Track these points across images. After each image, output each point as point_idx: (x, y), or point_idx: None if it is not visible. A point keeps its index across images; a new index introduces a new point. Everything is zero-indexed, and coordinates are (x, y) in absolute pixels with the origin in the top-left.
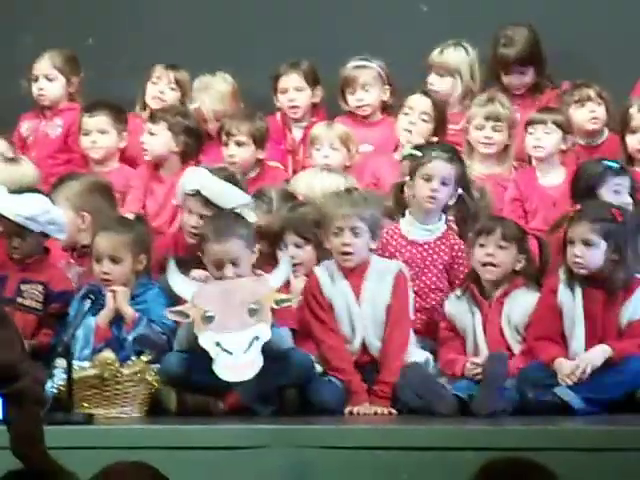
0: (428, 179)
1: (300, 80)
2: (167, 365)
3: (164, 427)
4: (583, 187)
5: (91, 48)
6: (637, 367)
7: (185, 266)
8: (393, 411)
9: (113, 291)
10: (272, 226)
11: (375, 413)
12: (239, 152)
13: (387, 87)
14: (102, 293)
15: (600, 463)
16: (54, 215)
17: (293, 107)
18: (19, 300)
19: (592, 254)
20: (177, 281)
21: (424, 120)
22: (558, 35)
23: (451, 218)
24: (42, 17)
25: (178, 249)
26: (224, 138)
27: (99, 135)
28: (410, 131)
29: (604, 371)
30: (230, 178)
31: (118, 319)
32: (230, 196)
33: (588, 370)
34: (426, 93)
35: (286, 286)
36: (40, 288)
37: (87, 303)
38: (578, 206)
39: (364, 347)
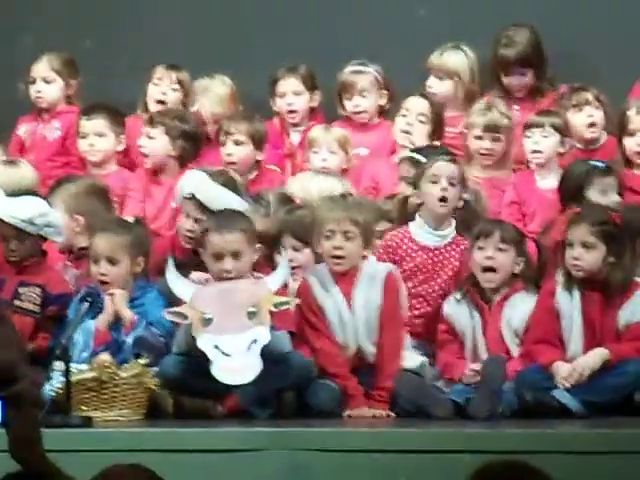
0: (435, 181)
1: (298, 84)
2: (165, 368)
3: (162, 430)
4: (571, 188)
5: (91, 49)
6: (635, 370)
7: (183, 269)
8: (391, 414)
9: (111, 294)
10: (270, 229)
11: (373, 416)
12: (237, 151)
13: (384, 92)
14: (100, 296)
15: (598, 466)
16: (51, 218)
17: (291, 111)
18: (17, 303)
19: (591, 257)
20: (176, 282)
21: (421, 122)
22: (558, 36)
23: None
24: (42, 17)
25: (176, 252)
26: (222, 137)
27: (97, 138)
28: (407, 132)
29: (602, 374)
30: (228, 183)
31: (116, 322)
32: (225, 202)
33: (585, 373)
34: (424, 95)
35: (284, 289)
36: (38, 291)
37: (85, 306)
38: (575, 209)
39: (359, 353)
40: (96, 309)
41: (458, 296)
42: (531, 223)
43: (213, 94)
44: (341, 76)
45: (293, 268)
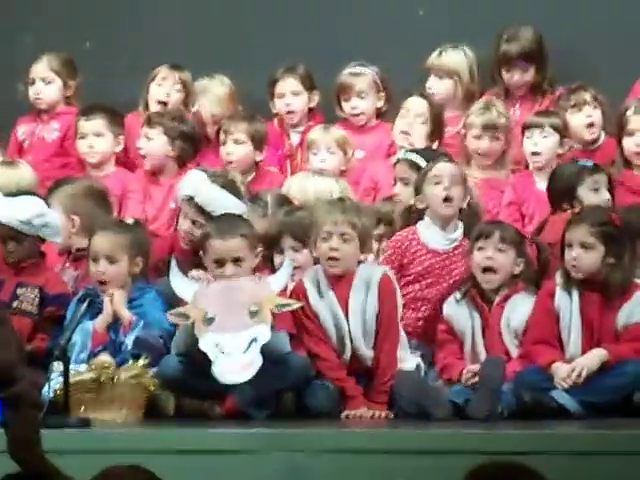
0: (438, 182)
1: (297, 84)
2: (164, 369)
3: (161, 431)
4: (562, 189)
5: (90, 50)
6: (633, 371)
7: (183, 269)
8: (390, 414)
9: (110, 295)
10: (269, 230)
11: (372, 417)
12: (236, 150)
13: (382, 94)
14: (99, 297)
15: (596, 467)
16: (49, 218)
17: (290, 112)
18: (15, 304)
19: (590, 257)
20: (179, 283)
21: (421, 122)
22: (557, 36)
23: None
24: (42, 17)
25: (175, 252)
26: (222, 136)
27: (95, 139)
28: (407, 133)
29: (600, 375)
30: (228, 185)
31: (115, 323)
32: (223, 204)
33: (584, 374)
34: (423, 95)
35: (284, 290)
36: (36, 292)
37: (83, 307)
38: (574, 210)
39: (355, 356)
40: (94, 310)
41: (458, 296)
42: (530, 224)
43: (212, 94)
44: (339, 78)
45: (292, 269)
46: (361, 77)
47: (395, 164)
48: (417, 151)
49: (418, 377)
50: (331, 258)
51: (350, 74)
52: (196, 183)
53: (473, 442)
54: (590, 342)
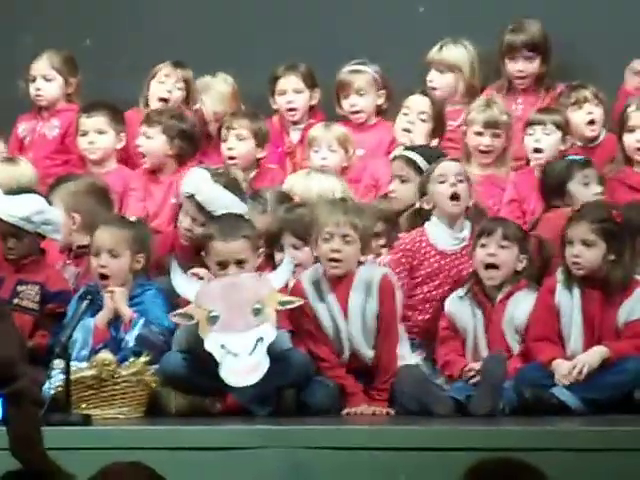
0: (443, 180)
1: (298, 82)
2: (165, 366)
3: (162, 428)
4: (553, 185)
5: (91, 48)
6: (634, 368)
7: (183, 266)
8: (391, 411)
9: (111, 292)
10: (270, 228)
11: (373, 413)
12: (238, 146)
13: (382, 92)
14: (99, 293)
15: (597, 463)
16: (49, 215)
17: (291, 109)
18: (16, 301)
19: (591, 254)
20: (180, 283)
21: (423, 120)
22: (558, 33)
23: None
24: (42, 17)
25: (177, 248)
26: (224, 132)
27: (97, 135)
28: (409, 131)
29: (601, 372)
30: (230, 184)
31: (116, 320)
32: (224, 203)
33: (585, 371)
34: (424, 93)
35: (284, 287)
36: (37, 289)
37: (84, 304)
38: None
39: (355, 356)
40: (95, 307)
41: (461, 293)
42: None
43: (215, 92)
44: (339, 75)
45: (293, 266)
46: (360, 75)
47: (392, 161)
48: (414, 148)
49: (420, 373)
50: (332, 259)
51: (349, 72)
52: (198, 181)
53: (474, 439)
54: (591, 339)
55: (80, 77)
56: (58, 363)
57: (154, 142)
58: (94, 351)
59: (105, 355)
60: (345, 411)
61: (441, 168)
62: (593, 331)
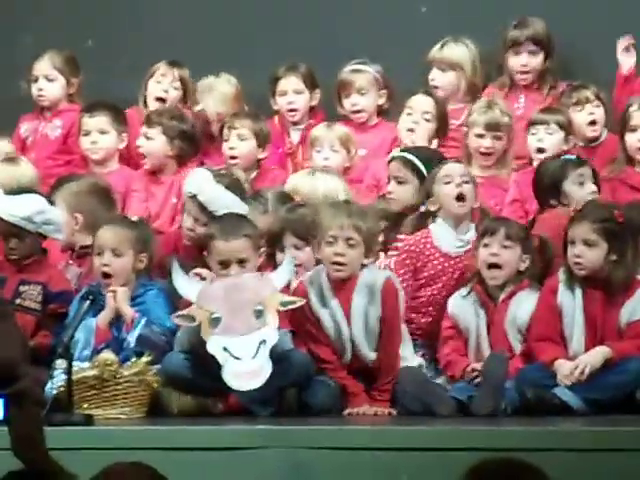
0: (449, 181)
1: (299, 83)
2: (167, 366)
3: (164, 428)
4: (548, 184)
5: (91, 49)
6: (636, 368)
7: (186, 267)
8: (393, 411)
9: (113, 291)
10: (271, 228)
11: (375, 414)
12: (240, 146)
13: (383, 92)
14: (102, 294)
15: (599, 464)
16: (50, 215)
17: (291, 110)
18: (18, 301)
19: (592, 254)
20: (182, 284)
21: (427, 120)
22: (558, 35)
23: None
24: (42, 17)
25: (179, 248)
26: (226, 132)
27: (99, 135)
28: (413, 131)
29: (604, 372)
30: (233, 185)
31: (118, 320)
32: (226, 204)
33: (587, 371)
34: (428, 93)
35: (286, 288)
36: (39, 289)
37: (86, 304)
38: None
39: (357, 357)
40: (97, 307)
41: (463, 293)
42: None
43: (218, 93)
44: (340, 75)
45: (295, 266)
46: (362, 74)
47: (389, 162)
48: (411, 149)
49: (422, 374)
50: (336, 263)
51: (351, 71)
52: (200, 182)
53: (476, 439)
54: (593, 339)
55: (82, 77)
56: (60, 363)
57: (154, 143)
58: (96, 351)
59: (107, 355)
60: (347, 411)
61: (446, 169)
62: (595, 331)
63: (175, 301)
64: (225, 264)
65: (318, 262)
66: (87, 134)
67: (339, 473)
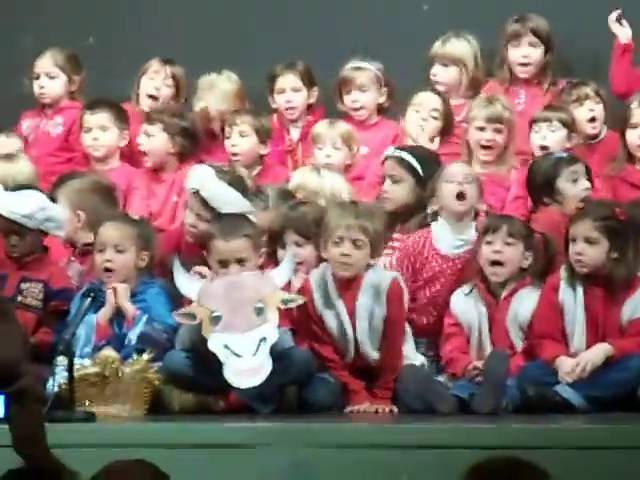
0: (452, 180)
1: (296, 80)
2: (168, 363)
3: (165, 425)
4: (541, 183)
5: (91, 48)
6: (638, 365)
7: (188, 264)
8: (394, 409)
9: (113, 288)
10: (272, 225)
11: (376, 411)
12: (241, 142)
13: (384, 90)
14: (103, 291)
15: (600, 461)
16: (51, 212)
17: (290, 108)
18: (19, 299)
19: (594, 252)
20: (183, 282)
21: (434, 117)
22: (558, 33)
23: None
24: (42, 17)
25: (181, 246)
26: (227, 130)
27: (100, 132)
28: (422, 128)
29: (605, 369)
30: (235, 181)
31: (119, 316)
32: (228, 200)
33: (588, 368)
34: (435, 90)
35: (287, 285)
36: (40, 286)
37: (88, 301)
38: (579, 205)
39: (360, 355)
40: (98, 304)
41: (466, 290)
42: None
43: (219, 90)
44: (341, 72)
45: (296, 264)
46: (363, 71)
47: (383, 161)
48: (406, 148)
49: (423, 371)
50: (342, 263)
51: (352, 68)
52: (203, 177)
53: (477, 437)
54: (594, 337)
55: (84, 75)
56: (61, 360)
57: (156, 140)
58: (97, 348)
59: (108, 352)
60: (348, 409)
61: (450, 169)
62: (597, 329)
63: (177, 299)
64: (224, 263)
65: (319, 259)
66: (88, 131)
67: (340, 471)
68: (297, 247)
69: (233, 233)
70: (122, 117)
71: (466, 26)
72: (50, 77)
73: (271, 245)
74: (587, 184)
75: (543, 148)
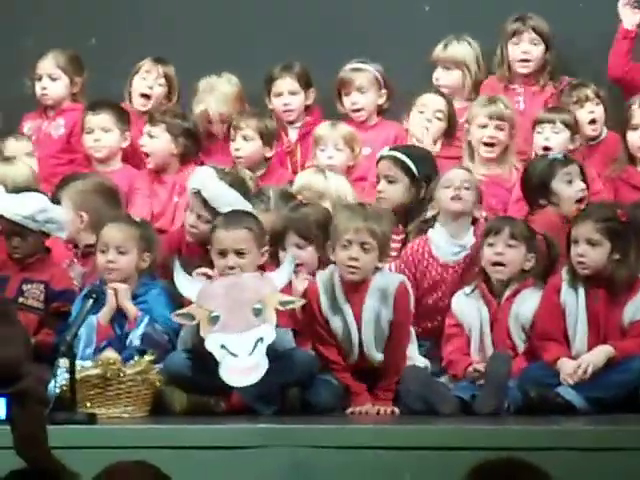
0: (449, 185)
1: (293, 83)
2: (170, 365)
3: (167, 427)
4: (536, 185)
5: (92, 48)
6: (639, 367)
7: (189, 265)
8: (396, 410)
9: (114, 289)
10: (274, 226)
11: (378, 412)
12: (245, 146)
13: (384, 91)
14: (104, 292)
15: (602, 463)
16: (53, 214)
17: (287, 110)
18: (21, 300)
19: (596, 254)
20: (183, 283)
21: (439, 119)
22: (558, 34)
23: None
24: (42, 18)
25: (183, 247)
26: (232, 132)
27: (102, 133)
28: (426, 129)
29: (606, 371)
30: (236, 183)
31: (120, 317)
32: (228, 201)
33: (590, 370)
34: (439, 92)
35: (288, 287)
36: (41, 287)
37: (89, 302)
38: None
39: (363, 357)
40: (100, 305)
41: (467, 291)
42: None
43: (219, 92)
44: (341, 73)
45: (296, 265)
46: (362, 73)
47: (378, 161)
48: (401, 148)
49: (425, 373)
50: (350, 266)
51: (351, 69)
52: (204, 178)
53: (479, 438)
54: (596, 338)
55: (85, 76)
56: (63, 362)
57: (159, 141)
58: (98, 349)
59: (110, 354)
60: (349, 410)
61: (449, 174)
62: (598, 330)
63: (178, 300)
64: (223, 253)
65: (320, 261)
66: (90, 132)
67: (342, 472)
68: (298, 249)
69: (235, 223)
70: (124, 118)
71: (467, 27)
72: (52, 79)
73: (272, 246)
74: (582, 185)
75: (546, 149)
